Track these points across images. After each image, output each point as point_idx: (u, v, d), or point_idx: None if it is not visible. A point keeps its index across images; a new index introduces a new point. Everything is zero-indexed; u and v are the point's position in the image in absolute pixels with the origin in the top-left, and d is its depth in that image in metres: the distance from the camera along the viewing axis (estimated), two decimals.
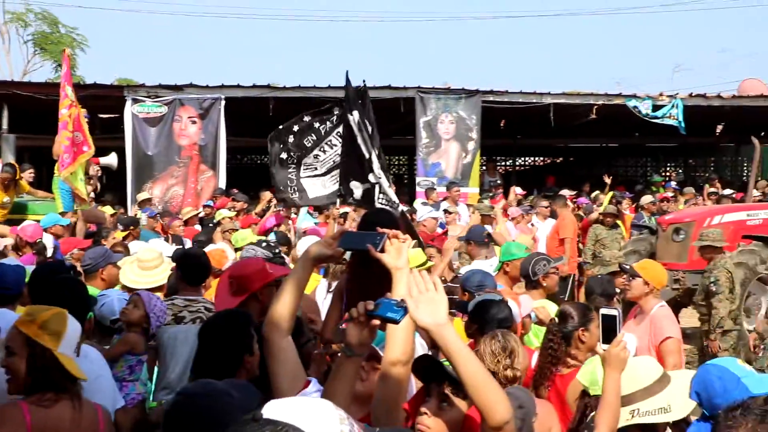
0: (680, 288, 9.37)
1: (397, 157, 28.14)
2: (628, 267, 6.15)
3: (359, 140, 7.42)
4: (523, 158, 29.58)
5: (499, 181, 18.44)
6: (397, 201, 7.42)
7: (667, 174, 24.36)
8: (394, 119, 17.03)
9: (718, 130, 22.15)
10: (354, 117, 7.46)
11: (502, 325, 4.28)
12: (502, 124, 19.31)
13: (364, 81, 8.01)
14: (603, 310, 3.53)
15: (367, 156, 7.37)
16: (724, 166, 25.35)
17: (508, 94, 16.34)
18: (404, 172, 27.59)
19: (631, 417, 3.24)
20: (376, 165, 7.33)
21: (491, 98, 16.13)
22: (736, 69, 68.40)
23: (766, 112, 17.96)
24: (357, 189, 7.49)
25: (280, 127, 8.90)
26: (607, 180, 16.47)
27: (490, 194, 15.53)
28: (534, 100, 16.42)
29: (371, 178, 7.38)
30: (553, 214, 12.51)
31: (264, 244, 6.78)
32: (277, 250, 6.75)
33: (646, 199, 14.61)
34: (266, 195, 13.05)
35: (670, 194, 16.43)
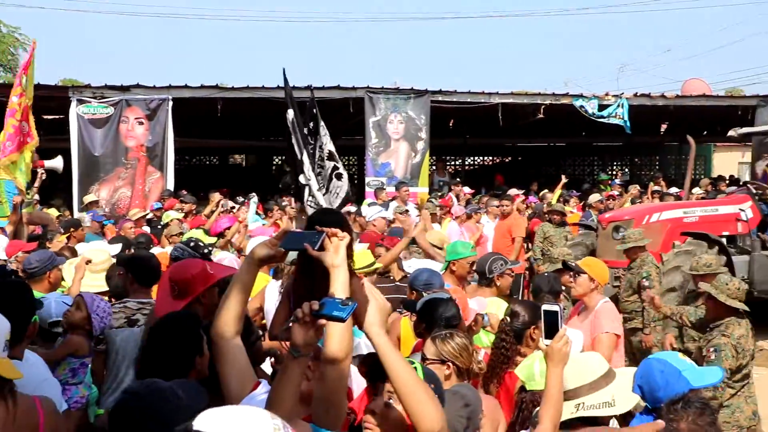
0: (620, 285, 9.45)
1: (346, 157, 28.14)
2: (573, 264, 6.25)
3: (293, 140, 7.46)
4: (472, 158, 29.78)
5: (447, 180, 18.54)
6: (326, 205, 7.41)
7: (614, 172, 24.73)
8: (343, 119, 17.06)
9: (662, 129, 22.58)
10: (289, 116, 7.46)
11: (450, 323, 4.31)
12: (451, 124, 19.42)
13: (311, 87, 8.03)
14: (545, 306, 3.54)
15: (299, 157, 7.39)
16: (669, 164, 25.81)
17: (457, 94, 16.46)
18: (354, 172, 27.62)
19: (575, 410, 3.30)
20: (306, 166, 7.38)
21: (440, 98, 16.23)
22: (680, 69, 69.63)
23: (708, 111, 18.38)
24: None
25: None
26: (564, 179, 16.66)
27: (440, 193, 15.62)
28: (482, 100, 16.53)
29: (301, 179, 7.45)
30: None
31: (192, 244, 6.73)
32: (206, 250, 6.73)
33: (593, 198, 14.84)
34: (215, 196, 13.00)
35: (616, 192, 16.71)
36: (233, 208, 12.30)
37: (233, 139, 22.09)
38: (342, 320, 2.49)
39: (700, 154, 24.15)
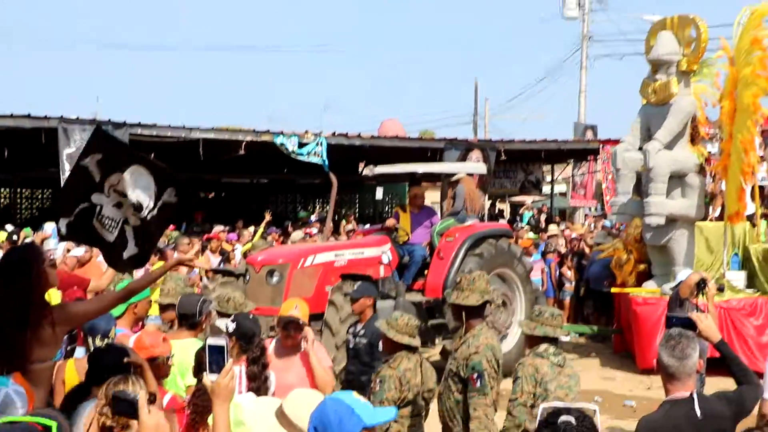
0: (275, 335, 9.08)
1: (40, 190, 26.88)
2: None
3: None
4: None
5: None
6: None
7: (314, 209, 25.67)
8: (36, 151, 16.35)
9: (361, 168, 23.74)
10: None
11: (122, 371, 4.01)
12: (152, 157, 19.19)
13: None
14: (209, 341, 3.54)
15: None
16: (368, 202, 27.22)
17: (157, 128, 16.38)
18: (48, 206, 26.37)
19: None
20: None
21: (140, 131, 16.06)
22: (381, 110, 73.90)
23: (401, 152, 19.59)
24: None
25: None
26: (268, 216, 17.03)
27: None
28: (183, 135, 16.61)
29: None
30: None
31: None
32: None
33: (296, 236, 15.29)
34: None
35: (314, 230, 17.35)
36: None
37: None
38: None
39: (396, 192, 25.68)
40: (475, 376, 5.57)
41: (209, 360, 3.47)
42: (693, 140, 12.85)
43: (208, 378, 3.43)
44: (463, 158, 19.25)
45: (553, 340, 5.99)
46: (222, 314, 6.15)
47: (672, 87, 12.20)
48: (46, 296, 4.48)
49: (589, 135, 24.37)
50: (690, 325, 4.21)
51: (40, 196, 27.43)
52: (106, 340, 5.22)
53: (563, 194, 28.88)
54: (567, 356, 6.10)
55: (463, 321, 5.89)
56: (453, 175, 12.19)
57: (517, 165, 23.79)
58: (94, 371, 4.05)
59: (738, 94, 11.83)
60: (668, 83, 12.23)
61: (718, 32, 13.24)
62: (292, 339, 5.98)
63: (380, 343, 6.69)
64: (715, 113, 13.06)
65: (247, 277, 10.22)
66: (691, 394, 3.88)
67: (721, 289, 10.13)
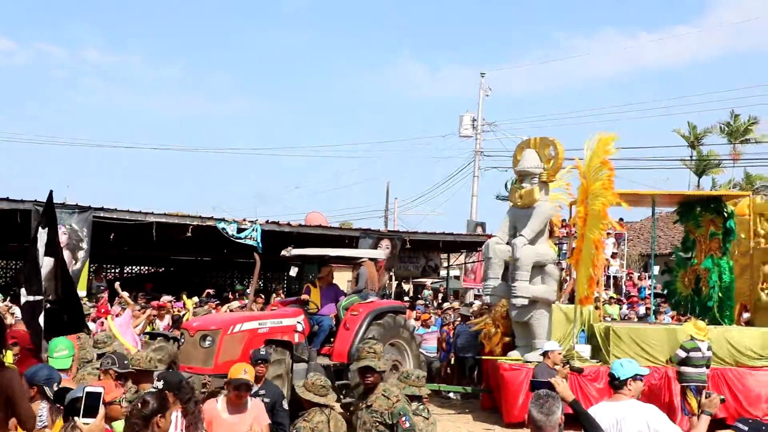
0: (207, 391, 8.92)
1: (14, 262, 26.65)
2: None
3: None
4: (130, 266, 29.38)
5: (104, 286, 18.37)
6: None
7: (250, 284, 25.76)
8: (12, 228, 16.45)
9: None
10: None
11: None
12: (111, 237, 19.34)
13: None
14: (88, 389, 3.47)
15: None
16: (293, 279, 27.40)
17: (117, 212, 16.57)
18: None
19: None
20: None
21: (102, 214, 16.28)
22: (308, 202, 74.44)
23: (324, 238, 19.96)
24: (23, 297, 6.93)
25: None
26: (211, 291, 17.25)
27: (97, 297, 15.55)
28: (139, 218, 16.82)
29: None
30: None
31: None
32: None
33: (233, 305, 15.53)
34: None
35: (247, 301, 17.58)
36: None
37: None
38: None
39: (312, 271, 25.83)
40: (404, 418, 5.85)
41: (85, 405, 3.41)
42: (550, 236, 13.35)
43: (82, 421, 3.39)
44: (375, 245, 19.59)
45: (418, 398, 6.46)
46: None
47: (535, 194, 12.75)
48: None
49: (479, 230, 24.77)
50: (550, 386, 4.35)
51: (14, 266, 27.09)
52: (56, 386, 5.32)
53: (457, 277, 29.41)
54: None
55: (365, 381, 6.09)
56: (357, 258, 12.49)
57: (419, 252, 24.00)
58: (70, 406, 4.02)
59: (589, 202, 12.33)
60: (532, 191, 12.78)
61: (571, 154, 13.87)
62: (241, 398, 6.17)
63: (283, 402, 7.01)
64: (565, 212, 13.62)
65: (182, 340, 10.04)
66: None
67: (566, 363, 10.49)
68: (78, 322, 7.26)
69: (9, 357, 7.19)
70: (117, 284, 13.47)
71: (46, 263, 6.90)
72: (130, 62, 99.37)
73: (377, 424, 5.94)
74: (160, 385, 5.12)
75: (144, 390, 5.72)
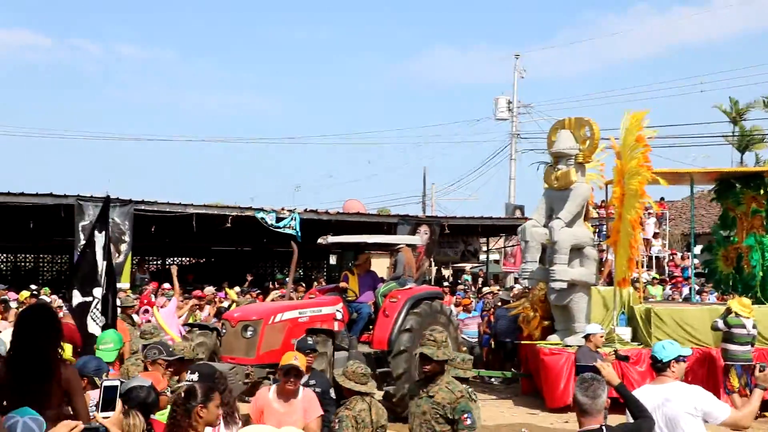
0: (250, 381, 9.01)
1: (59, 256, 27.22)
2: None
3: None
4: (172, 258, 29.83)
5: (147, 278, 18.71)
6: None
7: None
8: (56, 223, 16.76)
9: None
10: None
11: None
12: (153, 229, 19.65)
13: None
14: (105, 383, 3.45)
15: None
16: (333, 267, 27.59)
17: (158, 204, 16.81)
18: (66, 269, 26.58)
19: None
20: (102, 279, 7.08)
21: (143, 207, 16.52)
22: (343, 190, 74.50)
23: (362, 226, 19.88)
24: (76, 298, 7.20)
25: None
26: (250, 277, 17.44)
27: (141, 289, 15.80)
28: (179, 210, 17.03)
29: (96, 292, 7.14)
30: None
31: None
32: None
33: (274, 294, 15.62)
34: None
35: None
36: None
37: None
38: None
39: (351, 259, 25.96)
40: (466, 415, 5.69)
41: (103, 399, 3.42)
42: (585, 217, 13.23)
43: (99, 416, 3.40)
44: (414, 231, 19.60)
45: (464, 380, 6.46)
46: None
47: (571, 175, 12.68)
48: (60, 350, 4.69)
49: (518, 213, 24.78)
50: (595, 371, 4.38)
51: (59, 261, 27.74)
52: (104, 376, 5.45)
53: (497, 261, 29.34)
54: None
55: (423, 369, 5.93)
56: (394, 245, 12.49)
57: (458, 237, 24.19)
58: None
59: (626, 182, 12.21)
60: (568, 172, 12.71)
61: (606, 133, 13.82)
62: (292, 384, 6.19)
63: (331, 391, 7.06)
64: (601, 194, 13.45)
65: (223, 331, 9.99)
66: (601, 426, 4.00)
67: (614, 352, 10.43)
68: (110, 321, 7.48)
69: (68, 351, 7.42)
70: (174, 269, 13.58)
71: (102, 266, 7.16)
72: (164, 57, 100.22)
73: (437, 416, 5.76)
74: (194, 377, 5.20)
75: (184, 380, 5.79)
